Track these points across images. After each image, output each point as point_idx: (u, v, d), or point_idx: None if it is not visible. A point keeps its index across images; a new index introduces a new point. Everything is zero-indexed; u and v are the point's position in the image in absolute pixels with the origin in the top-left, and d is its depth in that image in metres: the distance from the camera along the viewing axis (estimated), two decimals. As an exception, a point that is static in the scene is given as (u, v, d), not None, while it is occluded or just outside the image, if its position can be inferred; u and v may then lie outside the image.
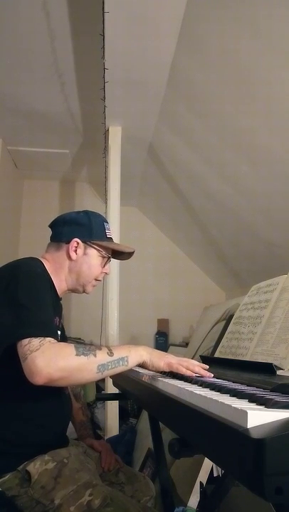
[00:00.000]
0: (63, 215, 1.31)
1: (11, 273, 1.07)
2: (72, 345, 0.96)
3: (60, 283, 1.25)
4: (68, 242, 1.24)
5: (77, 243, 1.24)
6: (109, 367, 0.97)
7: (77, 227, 1.26)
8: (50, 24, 2.25)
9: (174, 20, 2.01)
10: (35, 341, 0.92)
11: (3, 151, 3.61)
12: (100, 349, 0.98)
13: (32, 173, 4.23)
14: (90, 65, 2.50)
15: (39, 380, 0.89)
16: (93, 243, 1.26)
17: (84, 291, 1.31)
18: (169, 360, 1.01)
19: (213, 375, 0.95)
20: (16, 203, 4.20)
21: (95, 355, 0.95)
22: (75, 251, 1.24)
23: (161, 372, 1.10)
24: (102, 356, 0.96)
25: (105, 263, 1.30)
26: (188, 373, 0.96)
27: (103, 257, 1.28)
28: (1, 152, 3.57)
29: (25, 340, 0.93)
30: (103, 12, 1.90)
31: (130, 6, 1.92)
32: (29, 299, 1.01)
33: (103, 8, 1.88)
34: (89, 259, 1.26)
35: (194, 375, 0.96)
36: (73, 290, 1.30)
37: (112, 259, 1.34)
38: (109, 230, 1.31)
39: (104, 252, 1.28)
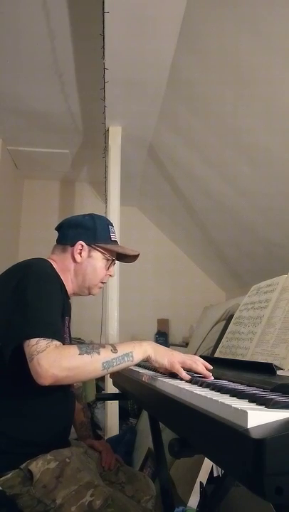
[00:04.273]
0: (69, 218, 1.34)
1: (22, 272, 1.09)
2: (76, 345, 0.98)
3: (67, 284, 1.27)
4: (73, 244, 1.27)
5: (82, 246, 1.27)
6: (114, 363, 0.98)
7: (82, 230, 1.28)
8: (50, 24, 2.26)
9: (174, 20, 2.01)
10: (43, 343, 0.94)
11: (3, 151, 3.61)
12: (104, 347, 0.99)
13: (32, 173, 4.23)
14: (90, 65, 2.50)
15: (45, 380, 0.91)
16: (98, 246, 1.28)
17: (90, 294, 1.33)
18: (172, 360, 1.01)
19: (213, 378, 0.95)
20: (16, 203, 4.20)
21: (98, 353, 0.96)
22: (80, 253, 1.26)
23: (161, 372, 1.10)
24: (105, 354, 0.97)
25: (110, 266, 1.32)
26: (188, 378, 0.96)
27: (107, 260, 1.31)
28: (1, 152, 3.58)
29: (34, 341, 0.94)
30: (103, 12, 1.90)
31: (130, 6, 1.92)
32: (38, 300, 1.03)
33: (103, 8, 1.88)
34: (93, 261, 1.28)
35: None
36: (79, 293, 1.32)
37: (116, 261, 1.36)
38: (114, 233, 1.33)
39: (108, 255, 1.30)
